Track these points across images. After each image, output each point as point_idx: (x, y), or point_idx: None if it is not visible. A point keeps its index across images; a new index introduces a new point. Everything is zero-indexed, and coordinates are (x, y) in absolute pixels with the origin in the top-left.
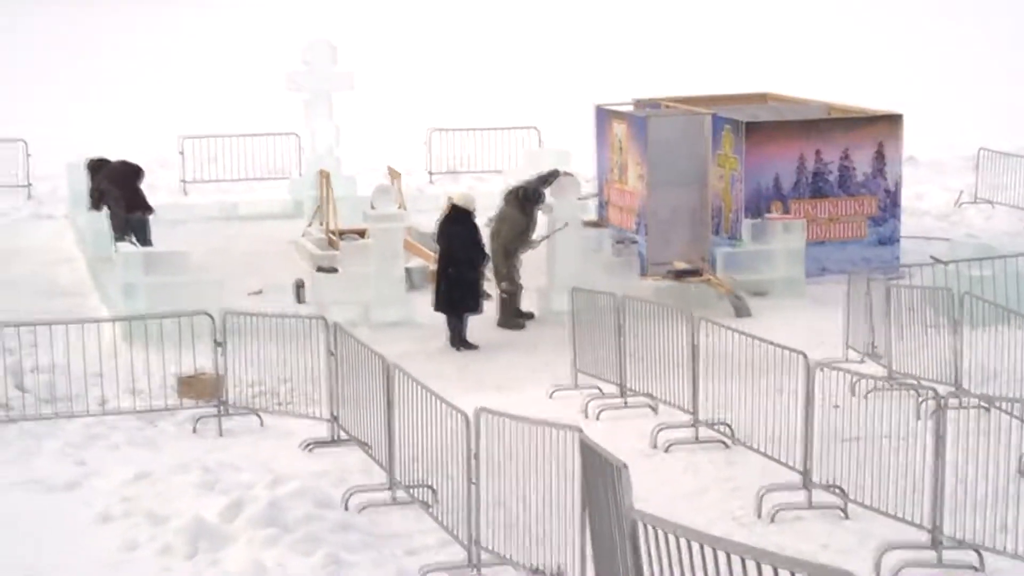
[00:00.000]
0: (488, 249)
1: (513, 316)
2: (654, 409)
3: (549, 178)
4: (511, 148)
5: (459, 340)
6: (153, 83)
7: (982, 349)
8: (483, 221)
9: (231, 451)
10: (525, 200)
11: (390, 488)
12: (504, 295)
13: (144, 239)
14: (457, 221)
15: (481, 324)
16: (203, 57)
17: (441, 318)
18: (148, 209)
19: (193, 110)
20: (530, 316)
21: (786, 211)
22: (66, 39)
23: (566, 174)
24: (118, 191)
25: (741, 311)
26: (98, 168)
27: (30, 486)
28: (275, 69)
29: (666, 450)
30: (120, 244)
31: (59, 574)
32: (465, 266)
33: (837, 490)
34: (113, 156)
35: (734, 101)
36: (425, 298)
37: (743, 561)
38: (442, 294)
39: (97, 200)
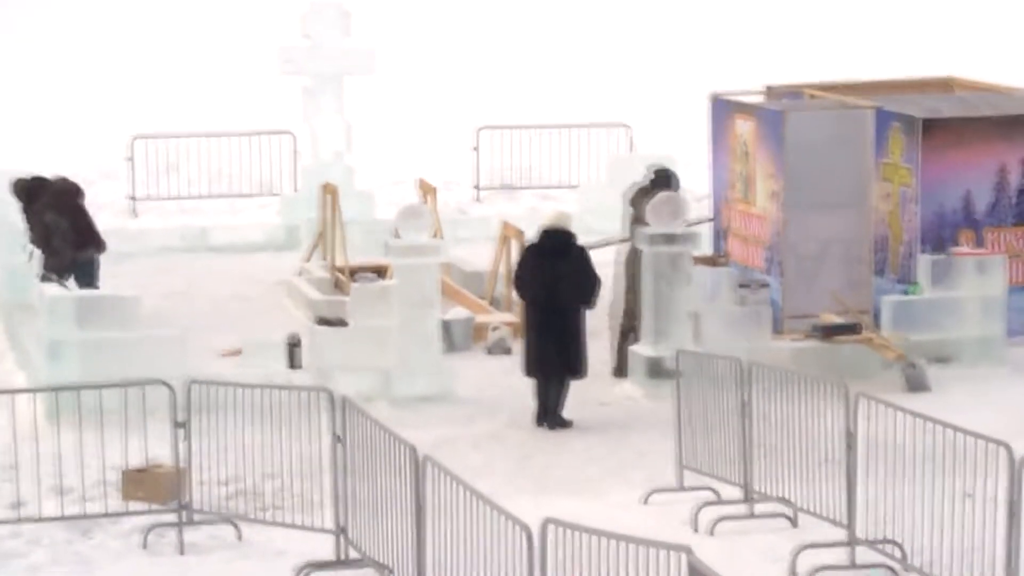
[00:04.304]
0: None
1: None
2: (792, 521)
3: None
4: (590, 155)
5: (556, 416)
6: (92, 62)
7: None
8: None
9: (196, 573)
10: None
11: None
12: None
13: (91, 284)
14: (564, 252)
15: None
16: (164, 28)
17: (501, 390)
18: (100, 245)
19: (148, 100)
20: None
21: (980, 244)
22: None
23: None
24: (67, 222)
25: (916, 383)
26: (35, 191)
27: None
28: (265, 45)
29: None
30: (45, 286)
31: None
32: (580, 312)
33: None
34: (41, 168)
35: (906, 89)
36: (469, 362)
37: None
38: (551, 353)
39: (42, 237)
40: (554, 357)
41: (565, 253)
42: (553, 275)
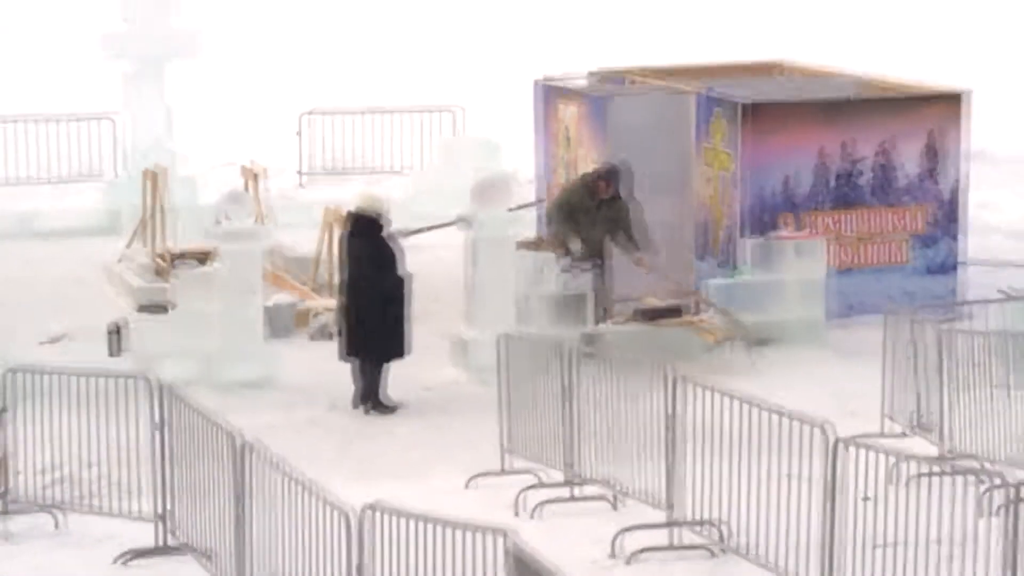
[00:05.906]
0: None
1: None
2: (613, 504)
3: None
4: (417, 138)
5: (374, 399)
6: None
7: None
8: None
9: (15, 563)
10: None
11: None
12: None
13: None
14: (365, 234)
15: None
16: None
17: (324, 375)
18: None
19: None
20: None
21: (800, 227)
22: None
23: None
24: None
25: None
26: None
27: None
28: (85, 28)
29: (629, 561)
30: None
31: None
32: (375, 296)
33: None
34: None
35: (731, 73)
36: (292, 348)
37: None
38: (355, 335)
39: None
40: (362, 339)
41: (366, 235)
42: (355, 257)
